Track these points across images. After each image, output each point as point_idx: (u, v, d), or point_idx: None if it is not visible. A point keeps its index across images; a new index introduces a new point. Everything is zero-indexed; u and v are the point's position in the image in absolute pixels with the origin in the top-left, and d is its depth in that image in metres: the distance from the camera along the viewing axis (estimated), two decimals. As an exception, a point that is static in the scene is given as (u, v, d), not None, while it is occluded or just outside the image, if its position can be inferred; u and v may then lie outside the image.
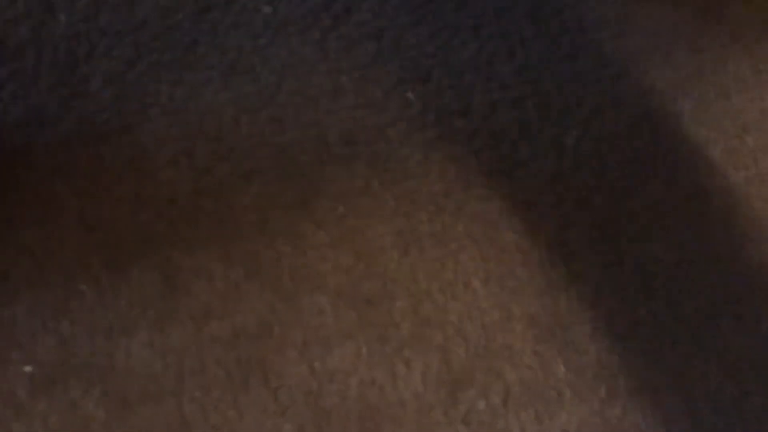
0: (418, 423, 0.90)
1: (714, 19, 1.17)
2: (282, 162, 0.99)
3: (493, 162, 1.04)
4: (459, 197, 1.02)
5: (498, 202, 1.02)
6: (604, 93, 1.10)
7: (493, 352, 0.96)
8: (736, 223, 1.08)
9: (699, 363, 1.01)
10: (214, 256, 0.93)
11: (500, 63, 1.08)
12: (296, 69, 1.01)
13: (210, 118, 0.97)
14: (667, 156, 1.10)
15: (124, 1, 0.98)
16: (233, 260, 0.93)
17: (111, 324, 0.89)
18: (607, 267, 1.02)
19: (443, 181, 1.02)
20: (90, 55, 0.96)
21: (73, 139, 0.94)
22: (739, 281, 1.04)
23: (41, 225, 0.92)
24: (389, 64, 1.04)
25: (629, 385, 0.98)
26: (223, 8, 1.00)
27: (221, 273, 0.93)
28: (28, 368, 0.86)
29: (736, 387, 1.00)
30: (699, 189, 1.09)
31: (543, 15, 1.12)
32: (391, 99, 1.04)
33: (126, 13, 0.97)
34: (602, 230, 1.04)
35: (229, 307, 0.92)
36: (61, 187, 0.93)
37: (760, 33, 1.17)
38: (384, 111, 1.03)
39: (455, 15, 1.09)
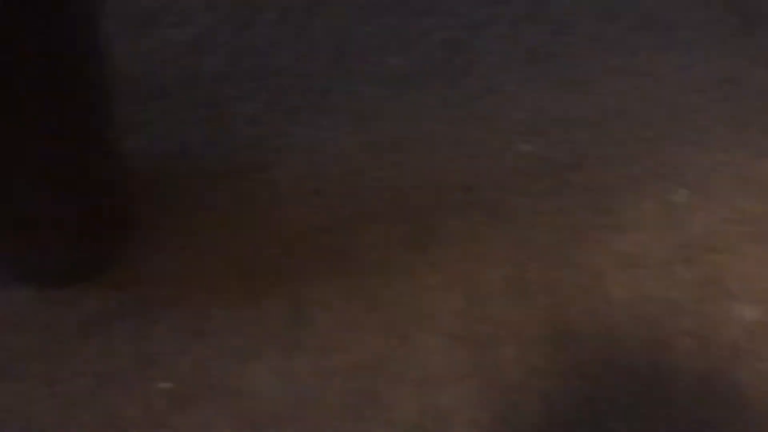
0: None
1: None
2: (402, 205, 1.04)
3: (601, 216, 1.08)
4: (568, 249, 1.05)
5: (605, 257, 1.05)
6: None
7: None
8: None
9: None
10: (336, 291, 0.99)
11: (613, 119, 1.12)
12: (420, 118, 1.07)
13: (339, 160, 1.04)
14: None
15: (266, 48, 1.05)
16: (354, 295, 0.99)
17: (242, 348, 0.95)
18: None
19: (553, 232, 1.06)
20: (234, 96, 1.04)
21: (215, 173, 1.01)
22: None
23: (182, 252, 1.00)
24: (509, 117, 1.09)
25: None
26: (355, 58, 1.07)
27: (343, 307, 0.99)
28: (166, 384, 0.93)
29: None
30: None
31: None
32: (509, 150, 1.09)
33: (267, 59, 1.05)
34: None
35: (348, 340, 0.97)
36: (201, 218, 1.01)
37: None
38: (501, 161, 1.08)
39: (570, 71, 1.13)
